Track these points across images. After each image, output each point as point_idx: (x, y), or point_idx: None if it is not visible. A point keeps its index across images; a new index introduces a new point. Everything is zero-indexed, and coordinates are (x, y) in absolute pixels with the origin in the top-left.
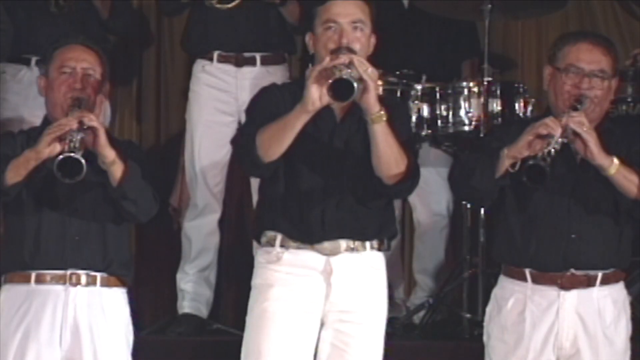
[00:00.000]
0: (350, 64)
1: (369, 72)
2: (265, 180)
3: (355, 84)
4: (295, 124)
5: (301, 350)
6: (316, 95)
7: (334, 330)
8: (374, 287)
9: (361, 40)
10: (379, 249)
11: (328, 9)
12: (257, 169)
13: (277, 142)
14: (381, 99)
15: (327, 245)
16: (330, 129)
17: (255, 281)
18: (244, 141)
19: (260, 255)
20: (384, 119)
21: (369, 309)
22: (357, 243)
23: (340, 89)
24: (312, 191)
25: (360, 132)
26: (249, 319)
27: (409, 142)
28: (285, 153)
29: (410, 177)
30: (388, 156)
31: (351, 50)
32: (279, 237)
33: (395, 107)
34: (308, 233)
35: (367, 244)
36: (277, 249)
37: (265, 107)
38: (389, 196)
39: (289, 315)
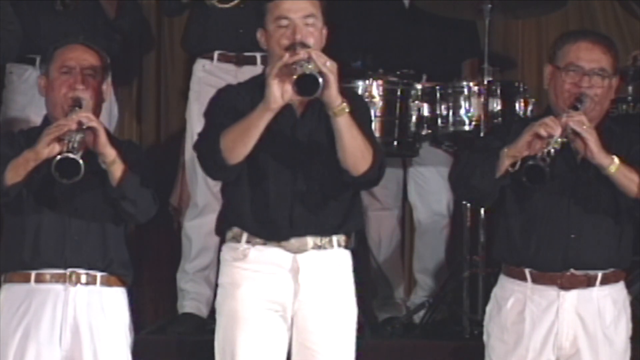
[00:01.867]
0: (309, 59)
1: (328, 65)
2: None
3: (320, 79)
4: (258, 123)
5: (274, 351)
6: (278, 93)
7: (304, 331)
8: (342, 286)
9: (314, 34)
10: (346, 247)
11: (278, 5)
12: (222, 172)
13: (241, 143)
14: (341, 92)
15: (294, 242)
16: (292, 125)
17: (222, 280)
18: (206, 145)
19: (226, 252)
20: (347, 110)
21: (338, 308)
22: (324, 240)
23: (306, 84)
24: (277, 188)
25: (322, 126)
26: (219, 320)
27: (370, 131)
28: (249, 152)
29: (377, 167)
30: (353, 148)
31: (305, 46)
32: (245, 233)
33: (353, 98)
34: (275, 230)
35: (335, 240)
36: (243, 245)
37: (224, 109)
38: (356, 188)
39: (259, 317)
